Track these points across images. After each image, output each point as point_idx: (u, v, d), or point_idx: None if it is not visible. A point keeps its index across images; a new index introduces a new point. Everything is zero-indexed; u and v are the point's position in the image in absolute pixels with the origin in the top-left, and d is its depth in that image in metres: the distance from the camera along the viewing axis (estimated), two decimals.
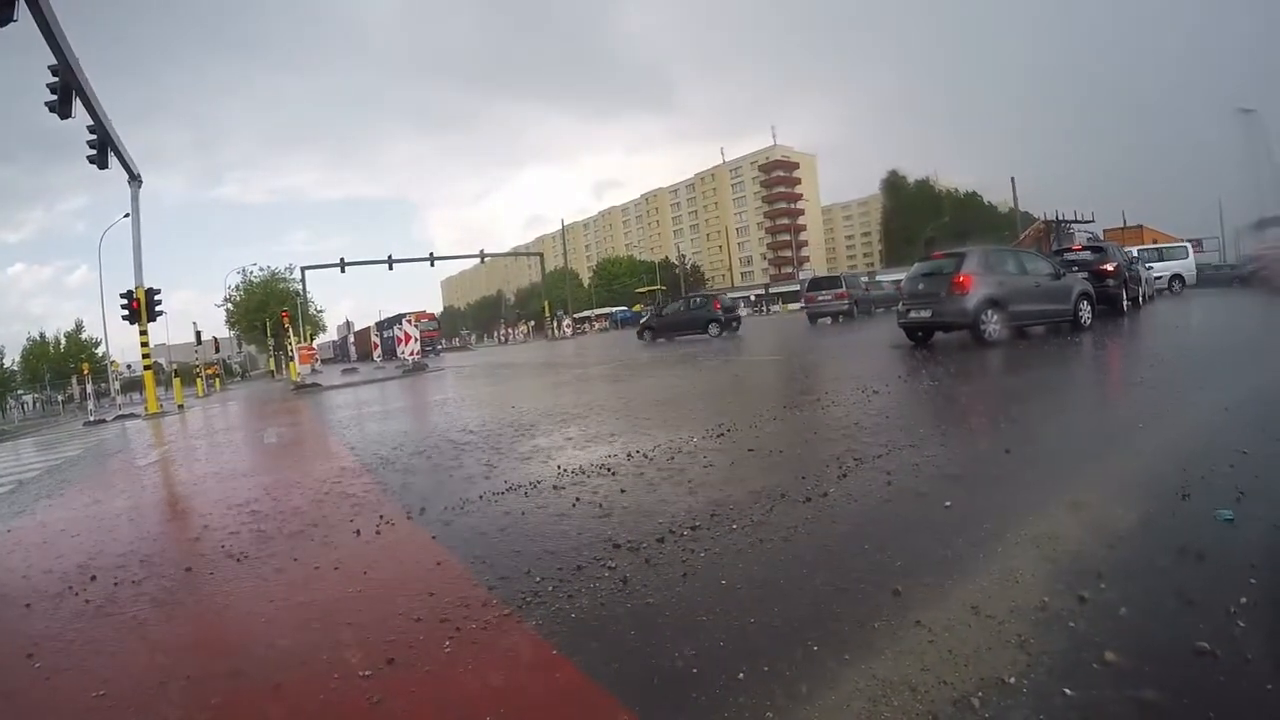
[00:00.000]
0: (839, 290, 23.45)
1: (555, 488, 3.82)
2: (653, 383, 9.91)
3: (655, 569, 2.46)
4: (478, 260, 60.82)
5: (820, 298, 23.68)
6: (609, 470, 4.10)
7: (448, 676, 1.91)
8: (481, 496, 3.82)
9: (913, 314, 10.43)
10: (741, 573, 2.36)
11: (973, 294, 9.49)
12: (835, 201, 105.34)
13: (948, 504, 2.84)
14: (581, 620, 2.14)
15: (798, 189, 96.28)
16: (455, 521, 3.43)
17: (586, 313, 63.53)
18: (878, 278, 34.17)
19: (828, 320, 23.10)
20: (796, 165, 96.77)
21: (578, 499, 3.52)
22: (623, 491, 3.58)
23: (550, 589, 2.39)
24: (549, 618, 2.18)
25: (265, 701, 1.93)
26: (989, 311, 9.50)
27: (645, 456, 4.36)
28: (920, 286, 10.49)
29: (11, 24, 11.04)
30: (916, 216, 60.91)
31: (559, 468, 4.31)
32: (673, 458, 4.25)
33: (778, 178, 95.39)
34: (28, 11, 11.73)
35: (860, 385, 6.50)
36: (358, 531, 3.43)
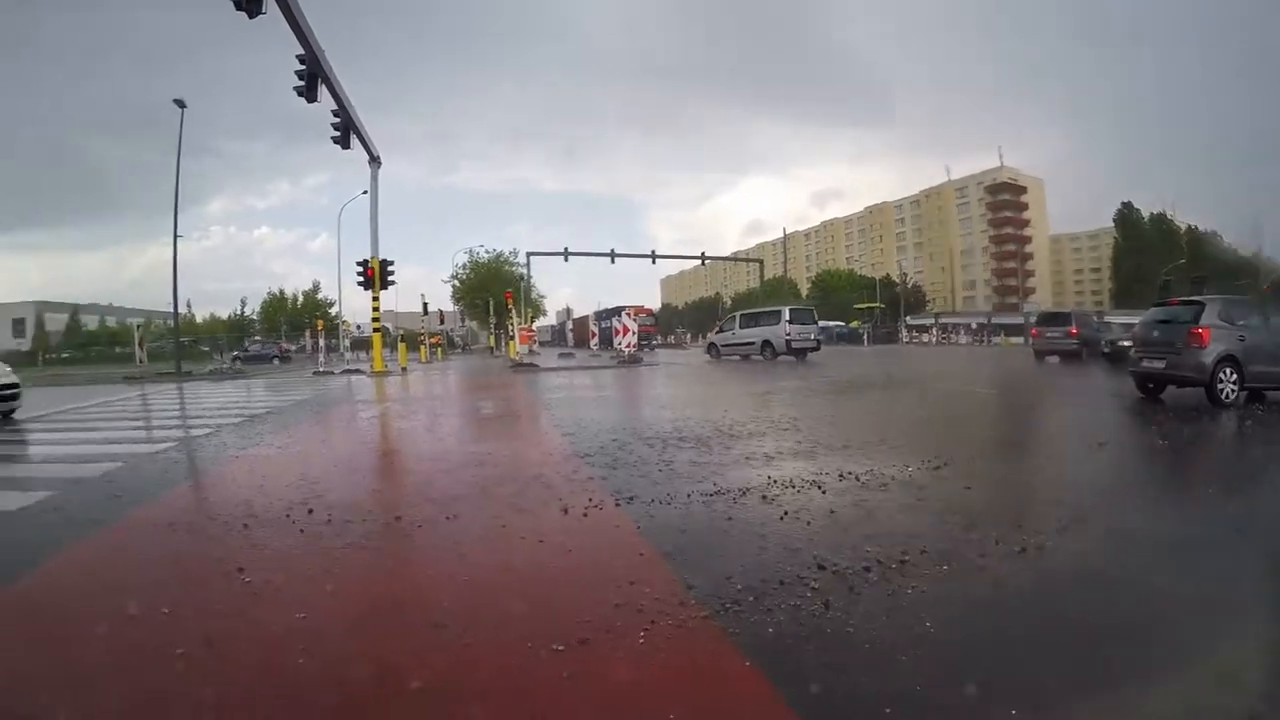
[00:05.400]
0: (1069, 327, 21.20)
1: (764, 498, 3.79)
2: (867, 404, 9.73)
3: (859, 598, 2.38)
4: (698, 262, 61.39)
5: (1048, 334, 21.61)
6: (819, 487, 4.01)
7: (638, 667, 1.95)
8: (689, 495, 3.88)
9: (1145, 363, 9.41)
10: (947, 619, 2.22)
11: (1211, 348, 8.34)
12: (1063, 231, 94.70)
13: (1165, 579, 2.62)
14: (778, 635, 2.11)
15: (1025, 214, 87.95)
16: (661, 515, 3.50)
17: None
18: (1106, 318, 30.29)
19: (1055, 359, 20.93)
20: (1024, 189, 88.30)
21: (785, 513, 3.46)
22: (832, 512, 3.48)
23: (750, 599, 2.36)
24: (746, 627, 2.16)
25: (458, 654, 2.06)
26: (1228, 369, 8.31)
27: (857, 479, 4.21)
28: (1155, 334, 9.45)
29: (261, 16, 12.58)
30: (1150, 254, 53.59)
31: (768, 478, 4.26)
32: (885, 485, 4.07)
33: (1004, 201, 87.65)
34: (275, 7, 13.11)
35: (1088, 437, 6.10)
36: (565, 510, 3.61)
